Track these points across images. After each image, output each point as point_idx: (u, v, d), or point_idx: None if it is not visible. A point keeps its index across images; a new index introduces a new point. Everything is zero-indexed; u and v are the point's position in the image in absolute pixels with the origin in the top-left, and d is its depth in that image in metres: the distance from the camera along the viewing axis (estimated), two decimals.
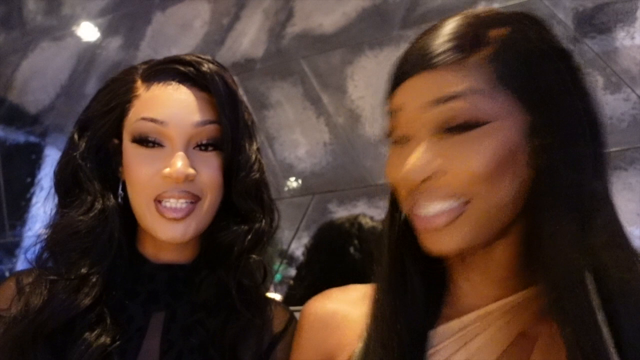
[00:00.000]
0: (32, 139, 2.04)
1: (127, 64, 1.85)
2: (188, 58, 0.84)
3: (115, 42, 1.96)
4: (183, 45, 1.77)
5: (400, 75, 0.63)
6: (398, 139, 0.63)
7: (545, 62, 0.60)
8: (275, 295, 1.38)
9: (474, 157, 0.58)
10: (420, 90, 0.61)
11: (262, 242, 0.84)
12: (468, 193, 0.58)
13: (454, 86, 0.59)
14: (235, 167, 0.83)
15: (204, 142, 0.81)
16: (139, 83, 0.84)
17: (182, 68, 0.83)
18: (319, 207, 1.39)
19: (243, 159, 0.83)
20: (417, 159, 0.59)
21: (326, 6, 1.56)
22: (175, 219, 0.78)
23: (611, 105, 1.14)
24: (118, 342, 0.76)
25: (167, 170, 0.78)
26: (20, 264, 1.87)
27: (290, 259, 1.38)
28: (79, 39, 2.07)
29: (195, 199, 0.80)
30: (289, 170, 1.46)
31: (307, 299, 0.78)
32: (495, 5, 1.31)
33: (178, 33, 1.83)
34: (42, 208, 1.86)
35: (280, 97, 1.54)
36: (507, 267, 0.64)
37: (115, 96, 0.85)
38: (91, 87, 1.94)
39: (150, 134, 0.80)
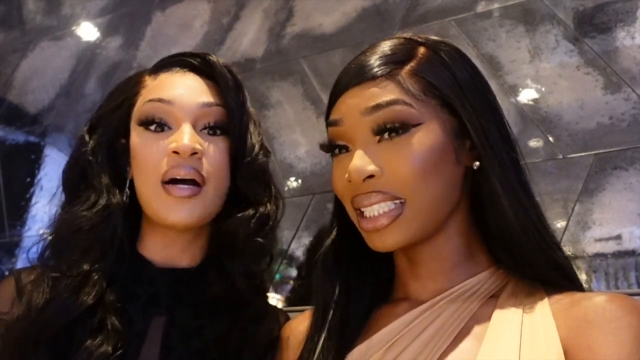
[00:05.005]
0: (32, 138, 2.03)
1: (127, 64, 1.86)
2: (195, 52, 0.87)
3: (115, 42, 1.96)
4: (183, 45, 1.77)
5: (338, 91, 0.71)
6: (338, 150, 0.71)
7: (460, 74, 0.69)
8: (274, 295, 1.37)
9: (407, 159, 0.65)
10: (357, 100, 0.68)
11: (267, 226, 0.84)
12: (403, 193, 0.65)
13: (387, 95, 0.66)
14: (241, 153, 0.83)
15: (212, 124, 0.81)
16: (146, 77, 0.86)
17: (188, 59, 0.85)
18: (319, 207, 1.39)
19: (249, 145, 0.84)
20: (358, 159, 0.66)
21: (326, 6, 1.56)
22: (182, 198, 0.77)
23: (611, 105, 1.14)
24: (120, 352, 0.75)
25: (173, 144, 0.77)
26: (20, 264, 1.87)
27: (290, 259, 1.38)
28: (78, 38, 2.07)
29: (201, 180, 0.79)
30: (289, 170, 1.46)
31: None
32: (495, 6, 1.32)
33: (178, 33, 1.83)
34: (42, 208, 1.86)
35: (280, 97, 1.54)
36: (450, 259, 0.71)
37: (124, 92, 0.86)
38: (91, 87, 1.94)
39: (156, 114, 0.80)
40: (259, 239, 0.82)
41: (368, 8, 1.49)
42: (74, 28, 2.09)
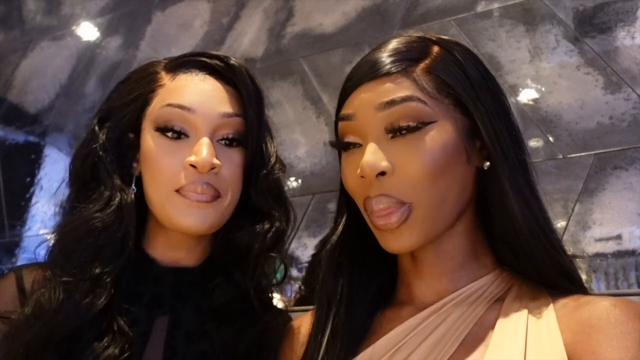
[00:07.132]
0: (32, 138, 2.04)
1: (126, 63, 1.86)
2: (214, 53, 0.84)
3: (115, 42, 1.96)
4: (183, 45, 1.77)
5: (351, 85, 0.70)
6: (349, 146, 0.70)
7: (473, 74, 0.69)
8: (274, 295, 1.37)
9: (419, 157, 0.64)
10: (371, 96, 0.67)
11: (281, 241, 0.83)
12: (409, 198, 0.65)
13: (402, 91, 0.66)
14: (256, 165, 0.82)
15: (230, 136, 0.80)
16: (162, 74, 0.83)
17: (208, 60, 0.82)
18: (319, 207, 1.39)
19: (265, 157, 0.83)
20: (371, 154, 0.65)
21: (326, 6, 1.56)
22: (198, 202, 0.76)
23: (611, 105, 1.14)
24: (127, 354, 0.73)
25: (192, 158, 0.76)
26: (20, 264, 1.87)
27: (290, 259, 1.38)
28: (78, 38, 2.07)
29: (216, 194, 0.78)
30: (289, 170, 1.46)
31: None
32: (495, 5, 1.32)
33: (178, 33, 1.83)
34: (42, 208, 1.86)
35: (280, 97, 1.54)
36: (455, 258, 0.70)
37: (138, 86, 0.83)
38: (91, 87, 1.94)
39: (175, 121, 0.78)
40: (273, 254, 0.83)
41: (368, 8, 1.49)
42: (74, 28, 2.09)
